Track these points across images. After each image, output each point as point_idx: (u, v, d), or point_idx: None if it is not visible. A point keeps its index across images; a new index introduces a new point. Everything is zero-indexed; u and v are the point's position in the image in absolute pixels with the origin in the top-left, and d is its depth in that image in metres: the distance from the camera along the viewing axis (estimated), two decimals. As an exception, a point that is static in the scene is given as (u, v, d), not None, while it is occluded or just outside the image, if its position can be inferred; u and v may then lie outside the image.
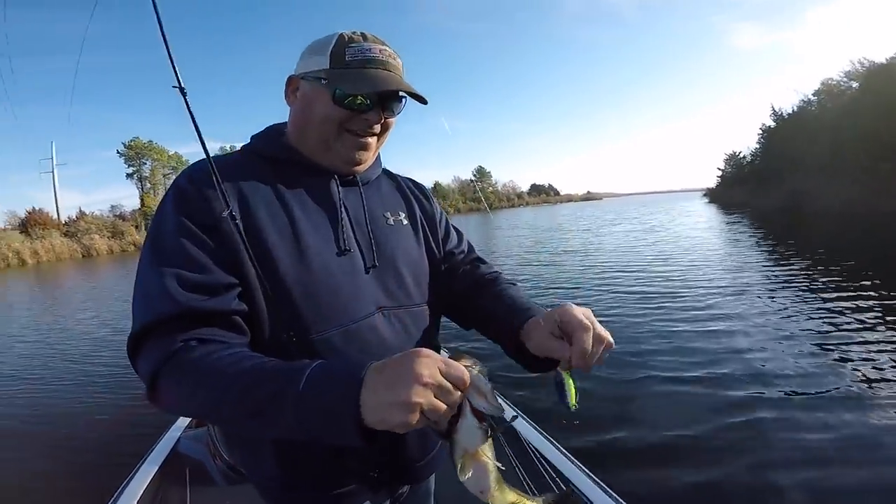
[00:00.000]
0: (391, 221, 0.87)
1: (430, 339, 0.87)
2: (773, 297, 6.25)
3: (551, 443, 1.73)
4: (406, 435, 0.76)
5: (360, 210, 0.83)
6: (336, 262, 0.76)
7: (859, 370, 3.80)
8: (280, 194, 0.76)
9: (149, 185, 51.65)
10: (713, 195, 46.10)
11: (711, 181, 49.86)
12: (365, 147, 0.79)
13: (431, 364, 0.50)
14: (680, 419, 3.12)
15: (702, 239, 14.41)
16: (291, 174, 0.78)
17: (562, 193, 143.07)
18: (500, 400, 0.56)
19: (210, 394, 0.58)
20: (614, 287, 7.68)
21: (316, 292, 0.72)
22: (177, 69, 0.69)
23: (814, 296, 6.23)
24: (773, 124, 33.85)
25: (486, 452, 0.55)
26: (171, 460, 1.93)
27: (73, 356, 6.23)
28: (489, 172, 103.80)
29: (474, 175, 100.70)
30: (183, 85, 0.71)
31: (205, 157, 0.73)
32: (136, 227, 42.93)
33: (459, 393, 0.52)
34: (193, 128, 0.74)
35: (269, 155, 0.79)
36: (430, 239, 0.95)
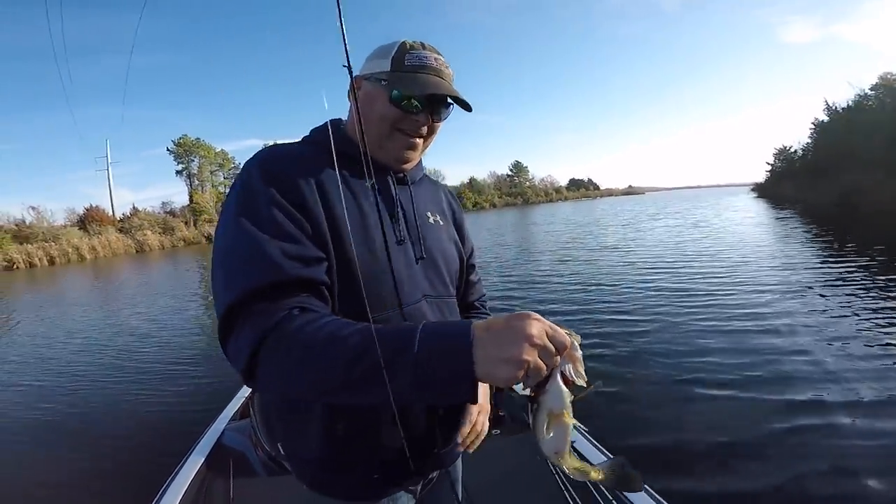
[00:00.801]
0: (432, 220, 0.96)
1: None
2: (827, 296, 6.01)
3: (591, 442, 1.71)
4: (436, 418, 0.87)
5: (409, 206, 0.91)
6: (395, 251, 0.83)
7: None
8: (347, 184, 0.82)
9: (197, 182, 54.26)
10: (762, 190, 43.72)
11: (759, 176, 47.28)
12: (413, 147, 0.87)
13: (540, 326, 0.55)
14: (723, 423, 3.07)
15: (750, 235, 13.83)
16: (353, 167, 0.82)
17: (602, 188, 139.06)
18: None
19: (319, 362, 0.60)
20: (655, 285, 7.51)
21: (379, 277, 0.78)
22: (347, 48, 0.72)
23: (872, 295, 5.91)
24: (826, 119, 31.94)
25: (568, 416, 0.57)
26: (216, 452, 1.96)
27: (121, 352, 6.54)
28: (526, 167, 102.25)
29: (511, 170, 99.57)
30: (350, 64, 0.76)
31: (271, 145, 0.84)
32: (186, 223, 45.21)
33: (559, 357, 0.55)
34: (356, 109, 0.81)
35: (338, 151, 0.81)
36: (460, 243, 1.05)
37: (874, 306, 5.39)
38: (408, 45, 0.83)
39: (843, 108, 29.91)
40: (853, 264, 8.01)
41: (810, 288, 6.50)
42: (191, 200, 50.78)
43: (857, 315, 5.14)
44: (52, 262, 31.09)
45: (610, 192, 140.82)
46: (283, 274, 0.67)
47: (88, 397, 4.84)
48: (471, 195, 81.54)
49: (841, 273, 7.39)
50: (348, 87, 0.87)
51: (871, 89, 27.24)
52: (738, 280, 7.32)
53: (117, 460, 3.34)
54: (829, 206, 22.31)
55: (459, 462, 1.05)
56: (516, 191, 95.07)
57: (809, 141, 34.50)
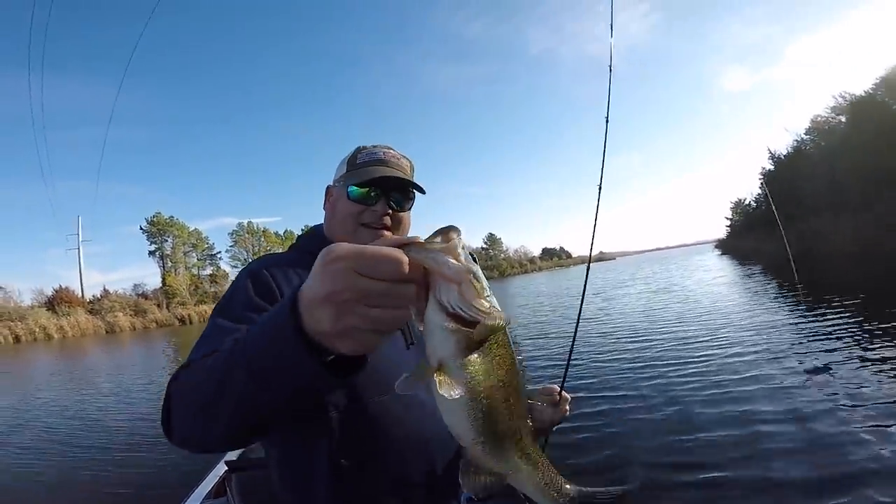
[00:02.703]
0: None
1: None
2: (803, 354, 5.81)
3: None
4: (434, 485, 0.87)
5: None
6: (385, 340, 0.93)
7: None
8: None
9: (170, 264, 53.28)
10: (725, 246, 45.62)
11: (721, 232, 49.68)
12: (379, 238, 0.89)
13: (347, 246, 0.42)
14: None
15: (721, 295, 13.75)
16: None
17: (574, 255, 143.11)
18: (491, 300, 0.41)
19: (197, 383, 0.60)
20: (632, 354, 7.16)
21: (374, 365, 0.73)
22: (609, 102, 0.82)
23: (847, 344, 5.91)
24: (771, 167, 33.96)
25: (452, 371, 0.40)
26: None
27: (88, 429, 6.24)
28: (500, 239, 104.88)
29: (485, 242, 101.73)
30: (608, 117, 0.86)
31: (267, 253, 1.01)
32: (158, 305, 43.86)
33: (404, 286, 0.40)
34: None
35: (314, 252, 0.95)
36: None
37: (850, 356, 5.29)
38: (361, 148, 0.96)
39: (784, 156, 31.92)
40: (821, 315, 8.08)
41: (785, 348, 6.30)
42: (163, 283, 49.71)
43: (834, 367, 5.05)
44: (17, 339, 30.22)
45: (582, 260, 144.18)
46: (220, 347, 0.66)
47: (45, 477, 4.53)
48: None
49: (812, 325, 7.43)
50: (324, 198, 1.01)
51: (806, 133, 29.33)
52: (715, 345, 7.03)
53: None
54: (788, 257, 23.22)
55: None
56: (492, 263, 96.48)
57: (760, 191, 36.61)
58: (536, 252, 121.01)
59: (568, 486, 0.48)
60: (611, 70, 1.79)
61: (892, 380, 4.34)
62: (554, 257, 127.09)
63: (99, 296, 44.34)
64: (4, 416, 7.35)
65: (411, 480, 0.85)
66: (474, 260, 0.42)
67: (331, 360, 0.46)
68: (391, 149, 0.96)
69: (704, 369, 5.66)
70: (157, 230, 53.83)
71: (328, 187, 0.99)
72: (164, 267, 53.12)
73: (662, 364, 6.24)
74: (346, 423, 0.80)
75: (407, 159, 0.98)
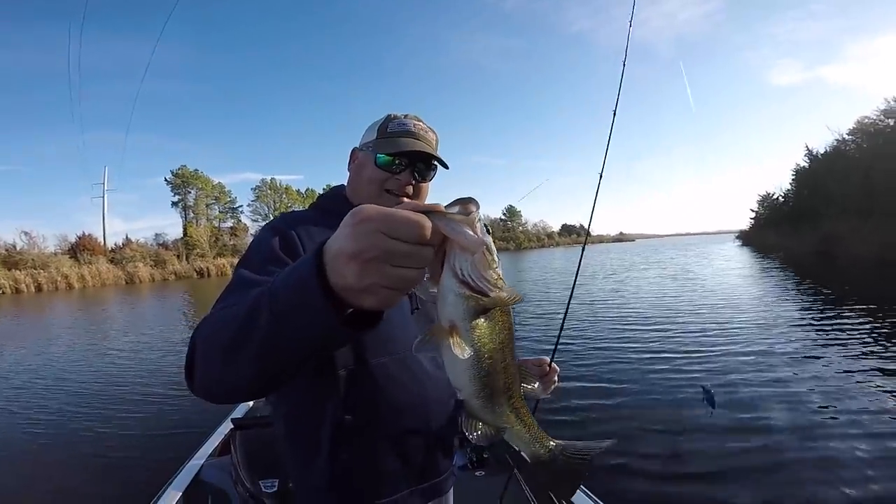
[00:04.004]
0: None
1: None
2: (806, 355, 5.87)
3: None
4: (432, 446, 0.93)
5: None
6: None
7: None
8: None
9: (192, 215, 54.40)
10: (746, 238, 44.77)
11: (745, 223, 48.57)
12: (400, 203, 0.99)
13: (376, 208, 0.44)
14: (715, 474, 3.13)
15: (737, 286, 13.66)
16: None
17: (593, 234, 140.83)
18: (499, 272, 0.46)
19: (221, 327, 0.60)
20: (637, 343, 7.17)
21: (381, 327, 0.71)
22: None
23: (849, 351, 5.90)
24: (806, 165, 33.01)
25: (463, 334, 0.44)
26: (194, 488, 1.97)
27: (100, 383, 6.49)
28: (519, 212, 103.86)
29: (504, 214, 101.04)
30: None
31: (289, 211, 1.03)
32: (178, 256, 45.12)
33: (424, 248, 0.43)
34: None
35: (334, 211, 0.86)
36: None
37: (857, 366, 5.23)
38: (392, 116, 0.97)
39: (821, 154, 30.77)
40: (834, 320, 7.85)
41: (791, 345, 6.40)
42: (185, 234, 50.90)
43: (838, 371, 5.15)
44: (39, 288, 30.94)
45: (601, 239, 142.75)
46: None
47: (59, 428, 4.77)
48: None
49: (822, 328, 7.32)
50: (349, 159, 1.03)
51: (849, 134, 27.96)
52: (719, 338, 7.04)
53: (87, 494, 3.32)
54: (809, 255, 22.79)
55: (451, 493, 1.10)
56: (509, 235, 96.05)
57: (790, 187, 35.53)
58: (556, 228, 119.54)
59: (552, 442, 0.53)
60: (624, 66, 1.80)
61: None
62: (573, 234, 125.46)
63: (121, 244, 45.69)
64: (19, 369, 7.70)
65: (410, 440, 0.90)
66: (489, 232, 0.46)
67: (349, 313, 0.49)
68: (420, 121, 0.99)
69: (706, 362, 5.74)
70: (182, 182, 54.67)
71: (354, 150, 1.01)
72: (185, 218, 54.31)
73: (664, 353, 6.34)
74: (352, 382, 0.84)
75: (433, 132, 1.01)
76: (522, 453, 0.53)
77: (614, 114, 1.78)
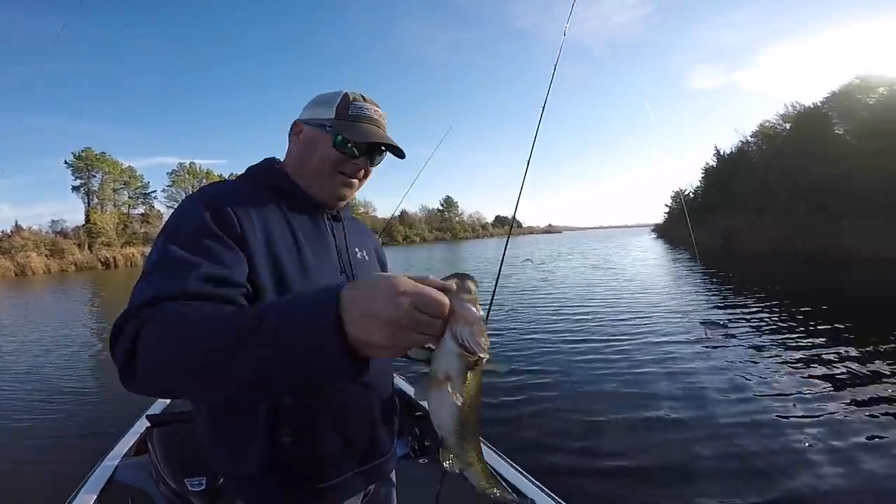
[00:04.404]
0: (360, 256, 1.02)
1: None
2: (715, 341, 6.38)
3: (506, 461, 1.78)
4: (374, 427, 0.93)
5: (342, 241, 0.98)
6: (332, 282, 0.88)
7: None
8: (286, 219, 0.87)
9: (96, 200, 49.20)
10: (661, 230, 48.77)
11: (660, 217, 52.57)
12: (351, 186, 0.95)
13: (412, 284, 0.50)
14: (625, 446, 3.34)
15: (650, 275, 15.01)
16: (291, 203, 0.91)
17: (524, 226, 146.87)
18: (487, 339, 0.54)
19: (190, 336, 0.56)
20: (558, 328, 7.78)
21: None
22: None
23: (755, 335, 6.60)
24: (714, 164, 36.23)
25: (455, 385, 0.52)
26: (110, 489, 1.88)
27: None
28: (456, 203, 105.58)
29: (442, 205, 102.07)
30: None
31: (216, 182, 0.91)
32: (79, 245, 40.59)
33: (441, 320, 0.51)
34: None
35: (272, 185, 0.91)
36: None
37: (751, 345, 5.94)
38: (351, 97, 0.92)
39: (727, 154, 33.99)
40: (736, 300, 9.06)
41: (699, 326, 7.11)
42: (87, 220, 45.87)
43: (743, 356, 5.71)
44: None
45: (531, 231, 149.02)
46: (187, 287, 0.66)
47: None
48: (401, 228, 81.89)
49: (727, 315, 8.20)
50: (292, 130, 0.96)
51: (752, 136, 31.05)
52: (639, 321, 7.67)
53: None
54: (715, 248, 25.26)
55: (394, 475, 1.09)
56: (446, 225, 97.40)
57: (700, 185, 39.10)
58: (490, 219, 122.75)
59: (496, 490, 0.63)
60: (555, 70, 1.89)
61: (793, 368, 4.91)
62: (505, 225, 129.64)
63: (9, 231, 40.17)
64: None
65: (352, 420, 0.89)
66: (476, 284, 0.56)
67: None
68: (378, 106, 0.95)
69: (626, 347, 6.13)
70: (85, 165, 49.08)
71: (299, 123, 0.94)
72: (89, 204, 48.91)
73: (587, 339, 6.69)
74: None
75: (385, 118, 1.00)
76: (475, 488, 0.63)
77: (543, 109, 1.85)
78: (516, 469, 1.76)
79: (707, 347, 5.92)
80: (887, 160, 16.72)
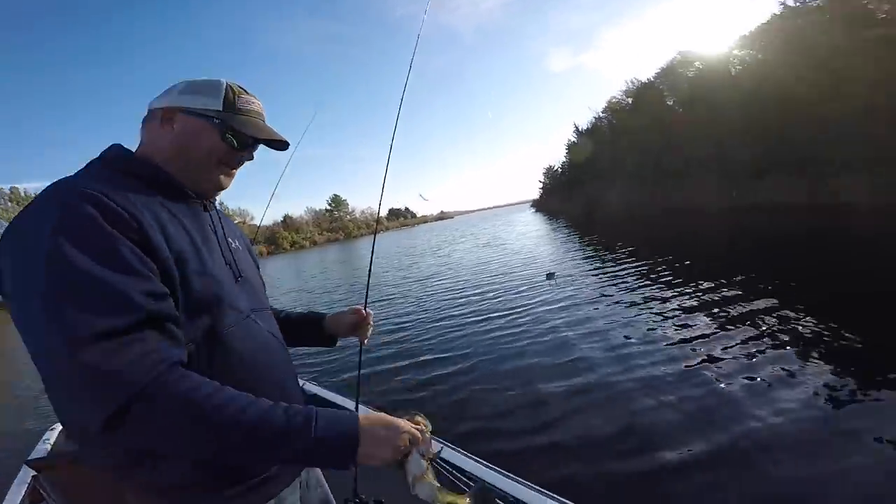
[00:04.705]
0: (234, 245, 0.99)
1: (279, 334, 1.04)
2: (595, 296, 7.10)
3: (456, 450, 1.80)
4: (287, 394, 0.94)
5: (220, 232, 0.96)
6: (224, 272, 0.89)
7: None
8: (171, 211, 0.82)
9: None
10: (538, 205, 53.18)
11: (536, 193, 57.33)
12: (231, 177, 0.96)
13: (405, 436, 0.77)
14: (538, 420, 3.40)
15: (534, 246, 16.30)
16: (166, 194, 0.85)
17: (418, 216, 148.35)
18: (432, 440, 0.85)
19: (211, 427, 0.64)
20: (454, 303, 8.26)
21: (218, 298, 0.83)
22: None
23: (614, 282, 7.58)
24: (575, 140, 40.20)
25: (429, 475, 0.81)
26: None
27: None
28: (345, 200, 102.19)
29: (329, 204, 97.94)
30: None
31: (83, 176, 0.77)
32: None
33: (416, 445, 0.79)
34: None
35: (143, 175, 0.83)
36: (255, 268, 1.10)
37: (628, 296, 6.78)
38: (236, 90, 0.91)
39: (584, 130, 37.64)
40: (608, 257, 10.10)
41: (584, 287, 7.90)
42: None
43: (618, 304, 6.38)
44: None
45: (425, 220, 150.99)
46: (135, 311, 0.64)
47: None
48: (287, 234, 77.16)
49: (600, 267, 9.27)
50: (156, 118, 0.89)
51: (603, 112, 34.46)
52: (530, 289, 8.30)
53: None
54: (581, 215, 27.88)
55: (322, 475, 1.14)
56: (337, 225, 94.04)
57: (564, 160, 43.25)
58: (383, 213, 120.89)
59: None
60: (411, 67, 1.90)
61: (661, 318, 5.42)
62: (400, 217, 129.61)
63: None
64: None
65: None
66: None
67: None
68: (259, 101, 0.95)
69: (524, 319, 6.42)
70: None
71: (171, 110, 0.88)
72: None
73: (491, 316, 6.91)
74: (208, 351, 0.79)
75: None
76: None
77: (403, 95, 1.81)
78: (462, 453, 1.74)
79: (597, 308, 6.49)
80: (704, 125, 19.84)
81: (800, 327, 4.44)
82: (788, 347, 4.04)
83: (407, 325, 7.42)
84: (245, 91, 0.93)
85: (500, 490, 1.42)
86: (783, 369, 3.62)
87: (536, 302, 7.30)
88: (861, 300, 4.98)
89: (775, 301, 5.30)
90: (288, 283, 19.78)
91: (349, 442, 0.71)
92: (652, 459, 2.72)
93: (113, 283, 0.64)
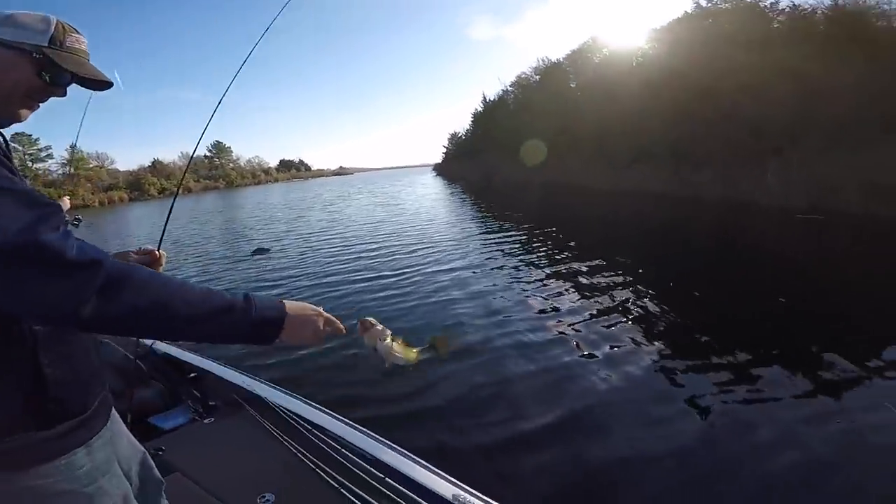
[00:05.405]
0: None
1: None
2: (483, 260, 7.29)
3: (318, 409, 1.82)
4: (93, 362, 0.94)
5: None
6: None
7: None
8: None
9: None
10: (439, 169, 53.95)
11: (439, 157, 57.84)
12: (31, 111, 0.91)
13: (323, 316, 0.88)
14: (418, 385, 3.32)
15: (431, 208, 16.45)
16: None
17: (314, 169, 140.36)
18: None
19: (186, 299, 0.72)
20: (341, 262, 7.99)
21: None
22: None
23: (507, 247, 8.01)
24: (481, 109, 40.92)
25: (395, 348, 0.93)
26: None
27: None
28: (229, 147, 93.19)
29: (210, 150, 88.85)
30: None
31: None
32: None
33: (341, 327, 0.91)
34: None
35: None
36: None
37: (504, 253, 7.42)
38: (63, 27, 0.89)
39: (491, 101, 38.50)
40: (498, 225, 10.62)
41: (474, 251, 8.11)
42: None
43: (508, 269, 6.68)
44: None
45: (321, 173, 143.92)
46: (54, 204, 0.72)
47: None
48: (155, 180, 68.10)
49: (490, 233, 9.74)
50: None
51: (511, 86, 35.35)
52: (424, 249, 8.35)
53: None
54: (479, 183, 29.03)
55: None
56: (218, 173, 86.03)
57: (469, 127, 43.91)
58: (273, 163, 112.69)
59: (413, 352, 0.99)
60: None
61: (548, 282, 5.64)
62: (292, 169, 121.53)
63: None
64: None
65: (95, 370, 0.93)
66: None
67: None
68: (86, 41, 0.94)
69: (417, 278, 6.41)
70: None
71: None
72: None
73: (381, 275, 6.78)
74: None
75: None
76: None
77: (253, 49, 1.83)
78: (328, 413, 1.76)
79: (477, 272, 6.62)
80: (597, 112, 20.96)
81: (651, 304, 4.84)
82: (639, 323, 4.34)
83: (283, 282, 7.02)
84: (75, 30, 0.92)
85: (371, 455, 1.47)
86: (632, 340, 3.89)
87: (426, 263, 7.30)
88: (704, 285, 5.53)
89: (631, 278, 5.78)
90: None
91: (278, 321, 0.81)
92: (506, 426, 2.78)
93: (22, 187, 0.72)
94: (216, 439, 1.84)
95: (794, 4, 13.56)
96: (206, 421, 2.01)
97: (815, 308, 4.54)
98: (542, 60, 31.21)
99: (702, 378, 3.25)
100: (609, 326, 4.21)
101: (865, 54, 10.00)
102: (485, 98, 40.97)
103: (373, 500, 1.32)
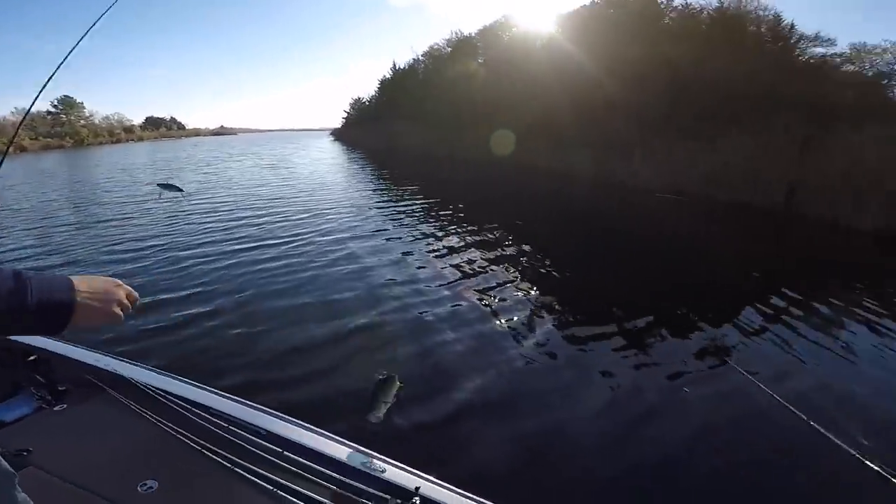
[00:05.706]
0: None
1: None
2: (376, 229, 7.10)
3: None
4: None
5: None
6: None
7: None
8: None
9: None
10: (338, 134, 51.54)
11: (339, 122, 54.92)
12: None
13: (118, 297, 0.74)
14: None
15: (326, 173, 15.84)
16: None
17: (189, 128, 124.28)
18: None
19: None
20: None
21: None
22: None
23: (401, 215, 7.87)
24: (390, 76, 39.18)
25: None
26: None
27: None
28: (81, 103, 78.22)
29: (55, 105, 73.83)
30: None
31: None
32: None
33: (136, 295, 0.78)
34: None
35: None
36: None
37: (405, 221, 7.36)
38: None
39: (401, 69, 37.00)
40: (397, 191, 10.49)
41: (371, 219, 7.85)
42: None
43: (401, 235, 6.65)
44: None
45: (197, 133, 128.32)
46: None
47: None
48: (-32, 138, 55.06)
49: (391, 201, 9.43)
50: None
51: (423, 56, 34.24)
52: (316, 216, 7.96)
53: None
54: (381, 150, 28.33)
55: None
56: (65, 130, 72.36)
57: (375, 94, 41.98)
58: (137, 120, 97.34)
59: None
60: None
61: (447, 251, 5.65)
62: (161, 127, 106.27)
63: None
64: None
65: None
66: None
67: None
68: None
69: (307, 248, 6.02)
70: None
71: None
72: None
73: (268, 244, 6.24)
74: None
75: None
76: None
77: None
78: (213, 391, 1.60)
79: (374, 240, 6.40)
80: (496, 89, 21.38)
81: (543, 270, 5.28)
82: (537, 291, 4.59)
83: (146, 252, 5.99)
84: None
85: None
86: (535, 314, 4.01)
87: (318, 231, 6.92)
88: (571, 247, 6.35)
89: (526, 247, 6.17)
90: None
91: (67, 305, 0.68)
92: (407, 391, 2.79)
93: None
94: (73, 427, 1.65)
95: (686, 3, 14.73)
96: (56, 408, 1.77)
97: (655, 266, 5.62)
98: (456, 33, 31.02)
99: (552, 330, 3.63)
100: (504, 299, 4.33)
101: (733, 56, 11.34)
102: (395, 65, 39.45)
103: (274, 476, 1.24)
